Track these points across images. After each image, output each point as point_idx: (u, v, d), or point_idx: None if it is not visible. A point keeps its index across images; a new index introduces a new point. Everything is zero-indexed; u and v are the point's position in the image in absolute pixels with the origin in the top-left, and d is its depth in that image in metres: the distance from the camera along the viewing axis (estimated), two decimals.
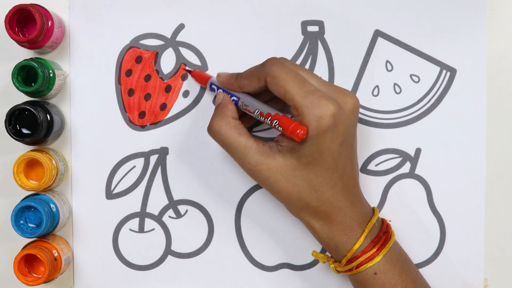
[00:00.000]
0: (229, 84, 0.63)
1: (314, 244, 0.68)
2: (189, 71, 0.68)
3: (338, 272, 0.63)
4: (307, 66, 0.68)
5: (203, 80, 0.67)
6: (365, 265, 0.60)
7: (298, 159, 0.59)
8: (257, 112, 0.60)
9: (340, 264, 0.62)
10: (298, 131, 0.57)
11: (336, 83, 0.68)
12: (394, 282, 0.60)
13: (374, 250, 0.60)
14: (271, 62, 0.60)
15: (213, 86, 0.65)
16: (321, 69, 0.68)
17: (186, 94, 0.68)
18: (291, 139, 0.59)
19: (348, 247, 0.61)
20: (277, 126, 0.58)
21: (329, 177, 0.59)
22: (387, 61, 0.68)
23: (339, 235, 0.61)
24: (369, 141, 0.68)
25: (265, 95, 0.64)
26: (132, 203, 0.69)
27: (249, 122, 0.66)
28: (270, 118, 0.59)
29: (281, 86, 0.58)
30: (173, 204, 0.69)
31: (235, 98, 0.63)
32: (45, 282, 0.64)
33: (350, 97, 0.60)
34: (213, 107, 0.68)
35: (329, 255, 0.64)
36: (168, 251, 0.69)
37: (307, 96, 0.57)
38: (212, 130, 0.61)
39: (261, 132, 0.68)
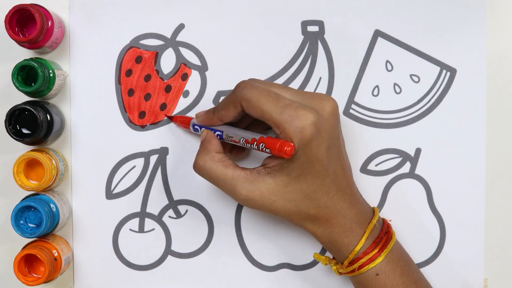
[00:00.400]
0: (209, 120, 0.63)
1: (314, 245, 0.68)
2: (170, 118, 0.68)
3: (340, 273, 0.63)
4: (307, 66, 0.68)
5: (185, 123, 0.67)
6: (367, 266, 0.60)
7: (288, 175, 0.59)
8: (242, 140, 0.60)
9: (342, 266, 0.62)
10: (285, 148, 0.57)
11: (336, 83, 0.68)
12: (396, 283, 0.60)
13: (376, 251, 0.60)
14: (242, 85, 0.60)
15: (195, 126, 0.65)
16: (321, 69, 0.68)
17: (186, 94, 0.68)
18: (279, 158, 0.59)
19: (349, 248, 0.61)
20: (264, 148, 0.58)
21: (321, 184, 0.59)
22: (387, 61, 0.68)
23: (341, 238, 0.61)
24: (369, 141, 0.68)
25: (246, 120, 0.64)
26: (132, 203, 0.69)
27: (240, 153, 0.67)
28: (255, 142, 0.59)
29: (257, 107, 0.58)
30: (173, 204, 0.69)
31: (219, 133, 0.63)
32: (45, 282, 0.64)
33: (326, 100, 0.60)
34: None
35: (331, 257, 0.64)
36: (168, 251, 0.69)
37: (284, 111, 0.57)
38: (197, 167, 0.61)
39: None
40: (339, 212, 0.60)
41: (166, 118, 0.68)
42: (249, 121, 0.65)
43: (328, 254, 0.66)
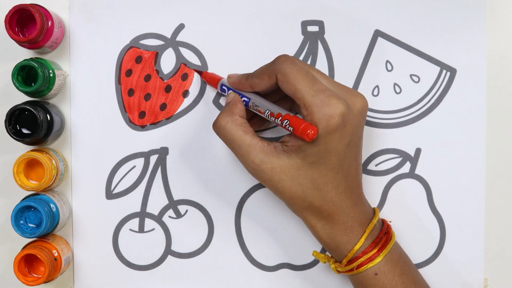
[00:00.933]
0: (240, 85, 0.63)
1: (314, 244, 0.68)
2: (200, 73, 0.68)
3: (339, 272, 0.63)
4: None
5: (213, 81, 0.67)
6: (365, 265, 0.60)
7: (303, 158, 0.59)
8: (267, 112, 0.60)
9: (341, 264, 0.62)
10: (308, 131, 0.56)
11: None
12: (395, 283, 0.60)
13: (375, 250, 0.60)
14: (282, 59, 0.59)
15: (223, 87, 0.65)
16: (321, 69, 0.68)
17: (186, 94, 0.68)
18: (298, 139, 0.59)
19: (349, 247, 0.61)
20: (287, 126, 0.58)
21: (333, 177, 0.59)
22: (387, 61, 0.68)
23: (341, 235, 0.61)
24: (369, 141, 0.68)
25: (275, 95, 0.64)
26: (132, 203, 0.69)
27: (258, 125, 0.66)
28: (280, 118, 0.59)
29: (292, 84, 0.58)
30: (173, 204, 0.69)
31: (245, 99, 0.62)
32: (45, 282, 0.64)
33: (359, 97, 0.60)
34: (213, 107, 0.68)
35: (330, 255, 0.64)
36: (168, 251, 0.69)
37: (317, 95, 0.57)
38: (217, 125, 0.61)
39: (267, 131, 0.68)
40: (343, 209, 0.60)
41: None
42: (278, 97, 0.64)
43: (327, 253, 0.66)
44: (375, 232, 0.61)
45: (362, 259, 0.60)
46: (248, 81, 0.62)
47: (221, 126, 0.61)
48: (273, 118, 0.59)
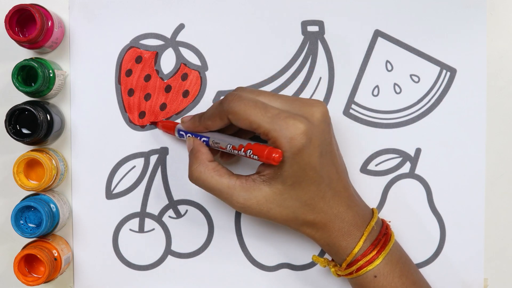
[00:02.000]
0: (195, 127, 0.63)
1: (314, 245, 0.68)
2: (155, 124, 0.68)
3: (339, 275, 0.63)
4: (307, 66, 0.68)
5: (170, 129, 0.66)
6: (365, 268, 0.60)
7: (283, 183, 0.59)
8: (229, 147, 0.60)
9: (340, 268, 0.62)
10: (273, 155, 0.56)
11: (336, 83, 0.68)
12: (394, 285, 0.60)
13: (374, 253, 0.60)
14: (229, 99, 0.59)
15: (181, 132, 0.65)
16: (321, 69, 0.68)
17: (186, 94, 0.68)
18: (271, 166, 0.59)
19: (347, 251, 0.61)
20: (251, 155, 0.58)
21: (317, 189, 0.59)
22: (387, 61, 0.68)
23: (339, 241, 0.61)
24: (369, 141, 0.68)
25: (234, 127, 0.63)
26: (132, 203, 0.69)
27: (229, 156, 0.66)
28: (243, 149, 0.59)
29: (245, 119, 0.58)
30: (173, 204, 0.69)
31: (205, 139, 0.62)
32: (45, 282, 0.64)
33: (316, 106, 0.59)
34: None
35: (330, 259, 0.64)
36: (168, 251, 0.69)
37: (272, 121, 0.57)
38: (193, 178, 0.61)
39: None
40: (336, 216, 0.60)
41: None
42: (236, 128, 0.64)
43: (327, 256, 0.66)
44: (374, 233, 0.61)
45: (361, 262, 0.60)
46: (201, 124, 0.62)
47: (197, 177, 0.61)
48: (236, 151, 0.59)
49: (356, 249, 0.60)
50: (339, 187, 0.61)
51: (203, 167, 0.61)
